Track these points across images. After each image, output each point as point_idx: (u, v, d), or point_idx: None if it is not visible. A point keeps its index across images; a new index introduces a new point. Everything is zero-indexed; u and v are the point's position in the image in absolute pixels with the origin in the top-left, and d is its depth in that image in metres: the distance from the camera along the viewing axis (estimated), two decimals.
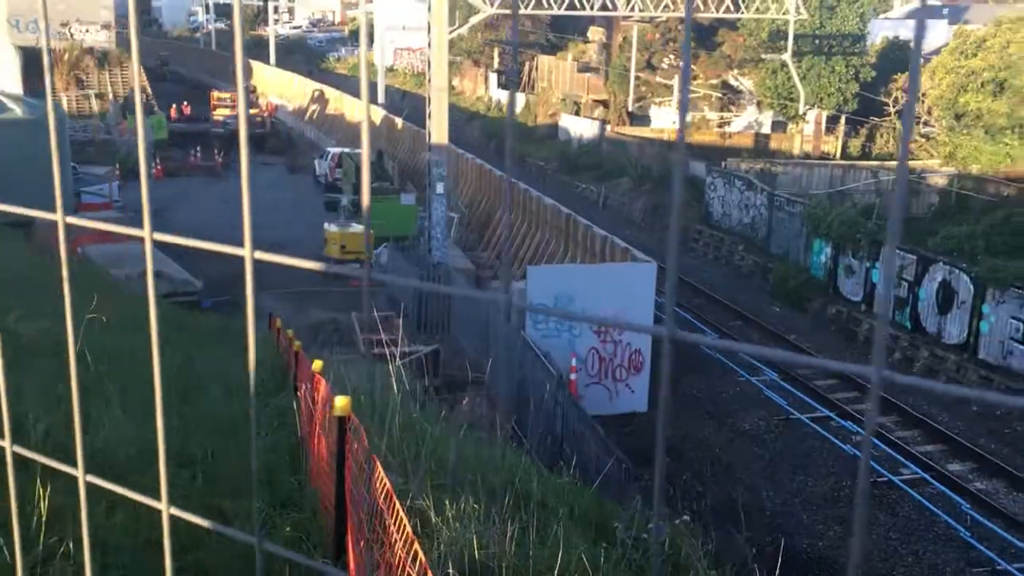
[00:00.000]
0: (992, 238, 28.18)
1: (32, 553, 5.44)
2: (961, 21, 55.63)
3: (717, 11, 41.90)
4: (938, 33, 55.02)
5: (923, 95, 40.53)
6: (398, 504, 4.71)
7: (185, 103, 58.84)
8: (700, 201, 39.62)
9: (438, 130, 27.78)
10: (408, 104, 64.18)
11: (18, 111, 33.05)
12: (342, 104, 61.30)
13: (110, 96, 56.61)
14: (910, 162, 37.09)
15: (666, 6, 40.20)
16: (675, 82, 52.77)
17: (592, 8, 39.14)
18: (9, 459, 1.56)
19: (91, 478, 1.47)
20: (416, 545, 4.24)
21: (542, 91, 61.39)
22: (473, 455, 8.73)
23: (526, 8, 38.34)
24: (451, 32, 29.81)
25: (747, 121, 51.67)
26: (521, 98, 63.88)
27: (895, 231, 0.84)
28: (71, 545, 5.56)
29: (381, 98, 60.69)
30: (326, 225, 32.46)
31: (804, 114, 44.76)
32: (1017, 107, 36.16)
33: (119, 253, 24.19)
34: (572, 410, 18.59)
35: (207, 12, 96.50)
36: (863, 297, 28.64)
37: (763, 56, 47.56)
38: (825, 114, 45.36)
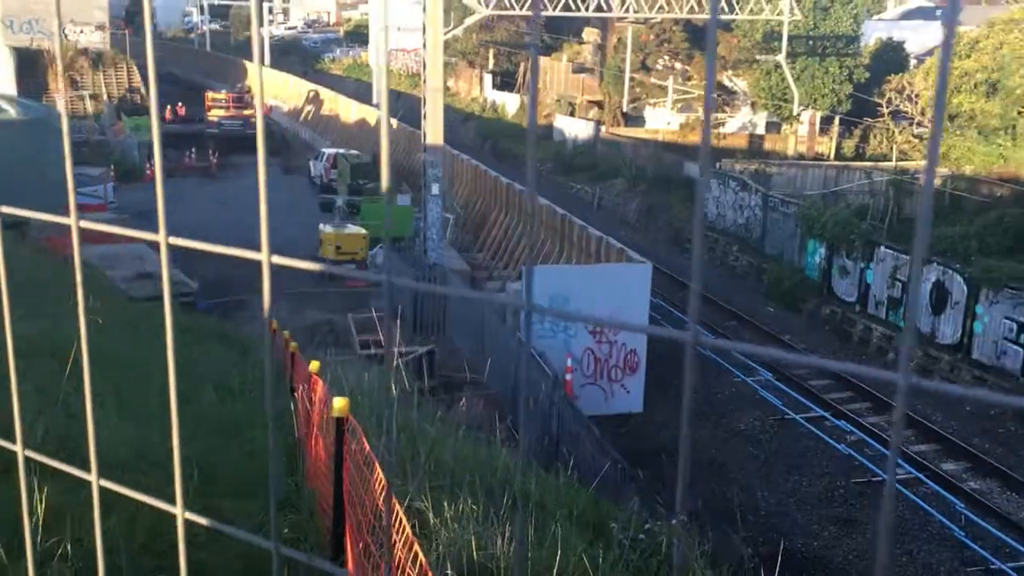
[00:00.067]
0: (985, 238, 28.26)
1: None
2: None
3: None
4: (931, 34, 55.17)
5: (916, 96, 40.63)
6: (397, 505, 4.73)
7: (180, 104, 58.76)
8: (694, 202, 39.61)
9: (434, 131, 27.79)
10: (403, 105, 64.18)
11: (12, 112, 33.01)
12: (337, 105, 61.28)
13: (104, 97, 56.54)
14: (903, 163, 37.08)
15: (661, 7, 40.27)
16: (669, 83, 52.82)
17: (587, 9, 39.18)
18: (20, 464, 1.57)
19: (104, 483, 1.49)
20: (416, 546, 4.26)
21: (537, 92, 61.39)
22: (471, 456, 8.76)
23: (520, 8, 38.36)
24: (446, 33, 29.84)
25: (741, 122, 51.74)
26: (516, 99, 63.92)
27: (923, 236, 0.86)
28: (69, 547, 5.58)
29: (376, 99, 60.69)
30: (321, 226, 32.45)
31: (798, 115, 44.84)
32: (1010, 108, 36.27)
33: (114, 255, 24.16)
34: (568, 410, 18.62)
35: (201, 13, 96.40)
36: (857, 298, 28.71)
37: (757, 57, 47.63)
38: (819, 115, 45.44)
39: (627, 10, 40.60)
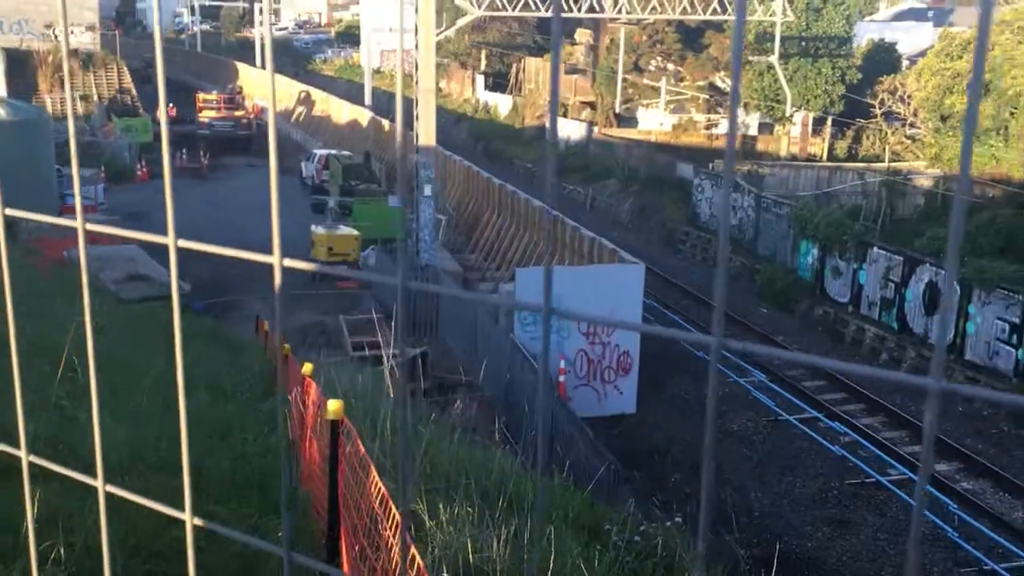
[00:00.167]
0: (978, 239, 28.31)
1: (23, 558, 5.39)
2: (946, 23, 55.95)
3: (704, 13, 41.98)
4: (923, 35, 55.34)
5: (909, 97, 40.72)
6: (393, 508, 4.69)
7: (171, 105, 58.47)
8: (687, 203, 39.71)
9: (426, 132, 27.74)
10: (395, 106, 64.06)
11: (2, 113, 32.87)
12: (328, 106, 61.18)
13: (95, 98, 56.34)
14: (896, 164, 37.13)
15: (653, 8, 40.27)
16: (662, 84, 52.85)
17: (580, 10, 39.17)
18: (25, 469, 1.53)
19: (111, 488, 1.45)
20: (412, 549, 4.22)
21: (529, 93, 61.42)
22: (466, 458, 8.72)
23: (513, 9, 38.32)
24: (438, 34, 29.78)
25: None
26: (508, 100, 63.91)
27: (955, 240, 0.83)
28: (62, 551, 5.52)
29: (368, 100, 60.61)
30: (313, 227, 32.35)
31: (791, 116, 44.89)
32: (1002, 109, 36.37)
33: (104, 256, 24.05)
34: (561, 412, 18.59)
35: (192, 14, 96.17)
36: (850, 298, 28.74)
37: (750, 58, 47.62)
38: (812, 116, 45.49)
39: (619, 11, 40.61)
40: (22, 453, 1.52)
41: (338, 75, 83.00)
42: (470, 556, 6.27)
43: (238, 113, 58.31)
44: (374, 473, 5.23)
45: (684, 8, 40.80)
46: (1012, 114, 36.16)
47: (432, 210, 29.17)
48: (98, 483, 1.42)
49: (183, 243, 1.29)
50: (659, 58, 53.72)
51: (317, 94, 64.26)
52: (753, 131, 50.75)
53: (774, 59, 42.36)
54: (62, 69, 55.79)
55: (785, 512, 18.42)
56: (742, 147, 47.63)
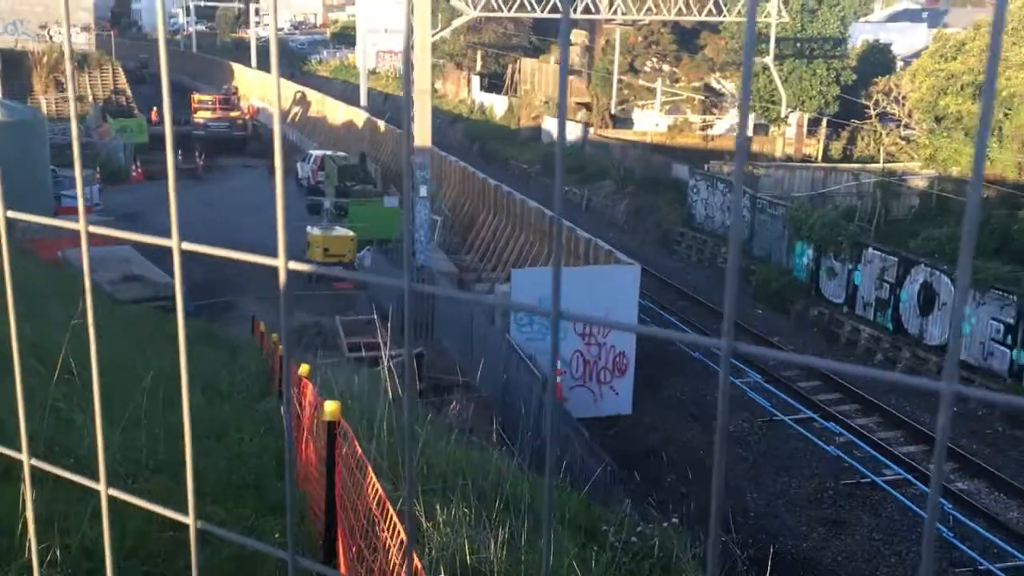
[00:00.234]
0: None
1: (19, 560, 5.38)
2: (940, 25, 56.04)
3: (700, 14, 42.03)
4: (918, 36, 55.44)
5: (903, 98, 40.79)
6: (391, 509, 4.69)
7: None
8: (683, 204, 39.73)
9: (421, 132, 27.73)
10: (391, 106, 64.08)
11: None
12: (324, 107, 61.15)
13: (90, 99, 56.26)
14: (890, 165, 37.17)
15: (649, 9, 40.31)
16: (657, 85, 52.89)
17: (575, 11, 39.19)
18: (27, 473, 1.53)
19: (114, 492, 1.45)
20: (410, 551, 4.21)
21: (525, 94, 61.43)
22: (463, 459, 8.72)
23: (509, 10, 38.35)
24: (434, 35, 29.79)
25: (729, 124, 51.85)
26: (503, 101, 63.90)
27: (969, 242, 0.83)
28: (58, 553, 5.51)
29: (363, 101, 60.58)
30: (308, 228, 32.33)
31: (786, 117, 44.95)
32: (996, 110, 36.42)
33: (100, 257, 24.02)
34: (557, 413, 18.58)
35: (187, 15, 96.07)
36: (845, 299, 28.77)
37: None
38: (807, 117, 45.57)
39: (615, 12, 40.64)
40: (23, 456, 1.51)
41: (334, 76, 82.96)
42: (467, 557, 6.27)
43: (233, 114, 58.25)
44: (371, 474, 5.23)
45: (680, 9, 40.86)
46: (1006, 115, 36.23)
47: (428, 211, 29.17)
48: (100, 487, 1.42)
49: (187, 245, 1.29)
50: (655, 59, 53.77)
51: (313, 95, 64.23)
52: (748, 132, 50.74)
53: (769, 60, 42.42)
54: (57, 70, 55.74)
55: (780, 513, 18.44)
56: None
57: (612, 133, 51.75)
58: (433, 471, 8.05)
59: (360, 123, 54.01)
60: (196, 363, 13.49)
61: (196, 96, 58.67)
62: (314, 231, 32.00)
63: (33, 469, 1.78)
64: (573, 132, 53.11)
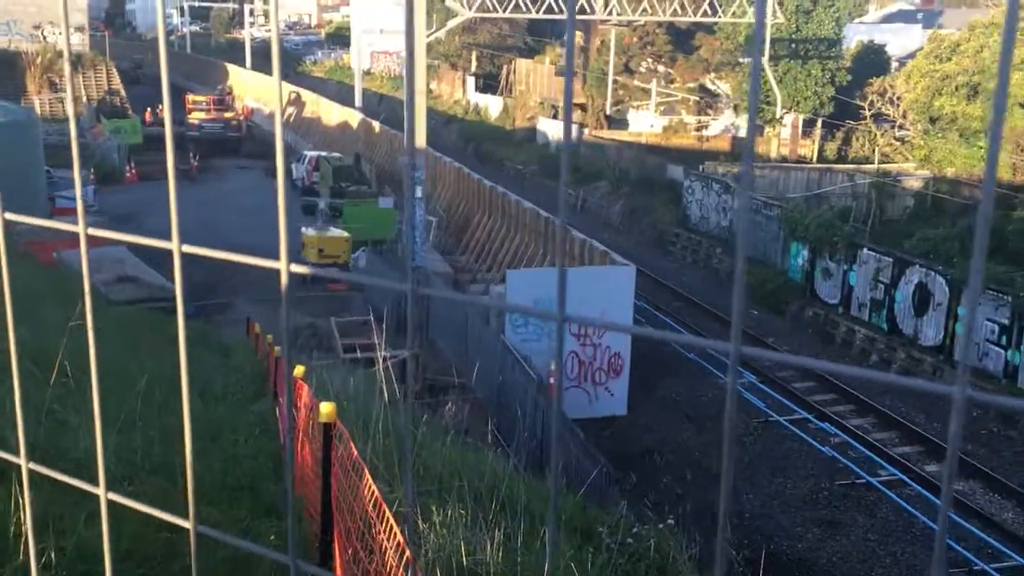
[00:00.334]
0: (967, 240, 28.43)
1: (14, 562, 5.36)
2: (935, 25, 56.16)
3: (695, 15, 42.06)
4: (912, 37, 55.55)
5: (898, 98, 40.85)
6: (387, 511, 4.68)
7: (160, 106, 58.42)
8: (678, 204, 39.76)
9: (416, 133, 27.69)
10: (385, 107, 64.05)
11: None
12: (319, 107, 61.09)
13: (84, 99, 56.15)
14: (885, 165, 37.21)
15: (644, 10, 40.33)
16: (652, 86, 52.92)
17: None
18: (25, 477, 1.52)
19: (113, 496, 1.44)
20: (408, 552, 4.21)
21: (520, 94, 61.44)
22: (459, 460, 8.71)
23: (504, 11, 38.35)
24: (429, 35, 29.78)
25: (724, 124, 51.92)
26: (498, 102, 63.90)
27: (981, 246, 0.82)
28: (53, 555, 5.49)
29: (358, 102, 60.54)
30: (303, 229, 32.30)
31: (781, 118, 45.01)
32: (991, 111, 36.49)
33: (94, 258, 23.93)
34: (559, 417, 18.56)
35: (182, 15, 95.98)
36: (840, 300, 28.81)
37: (740, 60, 47.80)
38: (801, 118, 45.63)
39: (610, 12, 40.65)
40: (22, 461, 1.50)
41: (328, 76, 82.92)
42: (463, 558, 6.26)
43: (228, 115, 58.18)
44: (367, 476, 5.22)
45: (675, 10, 40.88)
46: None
47: (422, 211, 29.11)
48: (100, 491, 1.41)
49: (187, 248, 1.28)
50: (649, 60, 53.80)
51: (308, 96, 64.16)
52: (743, 133, 50.86)
53: (764, 61, 42.45)
54: (51, 71, 55.63)
55: (775, 513, 18.45)
56: (732, 149, 47.75)
57: (607, 134, 51.78)
58: (429, 472, 8.04)
59: (355, 124, 53.97)
60: (192, 364, 13.45)
61: (190, 97, 58.60)
62: (309, 232, 31.97)
63: (30, 473, 1.76)
64: None
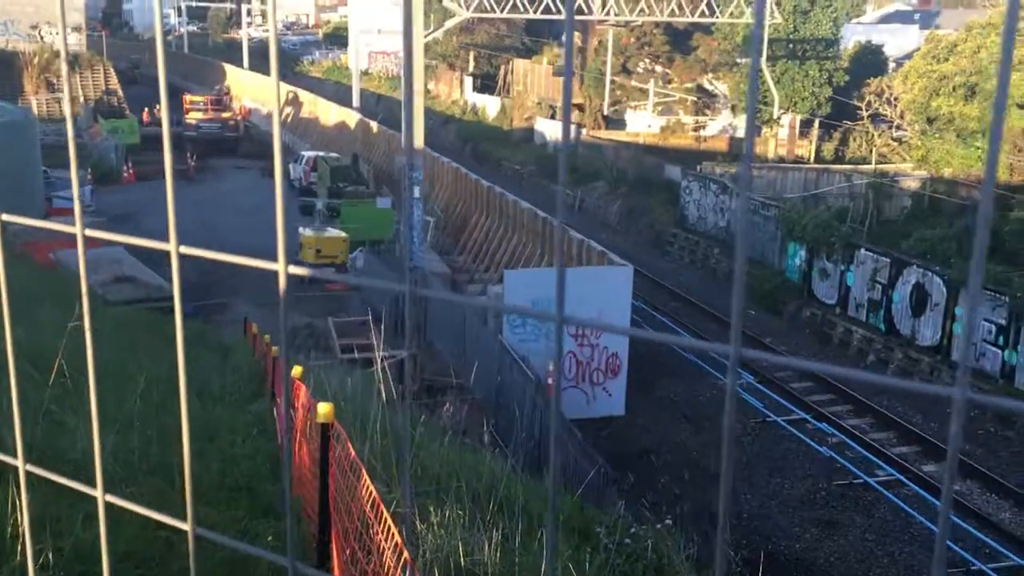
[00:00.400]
0: (965, 241, 28.46)
1: (11, 563, 5.36)
2: (933, 26, 56.22)
3: (692, 15, 42.08)
4: (910, 38, 55.59)
5: (895, 99, 40.89)
6: (385, 512, 4.67)
7: (157, 106, 58.34)
8: (675, 205, 39.78)
9: (414, 134, 27.66)
10: (383, 107, 64.04)
11: None
12: (316, 108, 61.06)
13: (81, 99, 56.09)
14: (882, 166, 37.23)
15: (641, 10, 40.34)
16: (650, 86, 52.94)
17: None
18: (23, 478, 1.52)
19: (111, 498, 1.43)
20: (406, 553, 4.20)
21: (517, 95, 61.44)
22: (457, 461, 8.70)
23: (501, 11, 38.35)
24: (426, 36, 29.77)
25: (722, 125, 51.94)
26: (496, 102, 63.91)
27: (981, 247, 0.82)
28: (50, 556, 5.49)
29: (356, 102, 60.52)
30: (301, 229, 32.27)
31: (778, 118, 45.04)
32: (988, 111, 36.53)
33: (91, 258, 23.91)
34: (558, 418, 18.55)
35: (179, 15, 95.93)
36: (837, 300, 28.82)
37: (737, 60, 47.83)
38: (799, 118, 45.66)
39: (608, 13, 40.66)
40: (19, 462, 1.50)
41: (326, 77, 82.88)
42: (461, 559, 6.26)
43: (225, 115, 58.15)
44: (365, 476, 5.22)
45: (672, 10, 40.90)
46: None
47: (420, 212, 29.11)
48: (98, 493, 1.41)
49: (185, 249, 1.28)
50: (647, 60, 53.82)
51: (305, 96, 64.13)
52: (740, 133, 50.90)
53: (762, 61, 42.44)
54: (48, 70, 55.57)
55: (773, 514, 18.46)
56: (730, 149, 47.79)
57: (605, 134, 51.79)
58: (427, 473, 8.04)
59: (352, 124, 53.95)
60: (190, 365, 13.45)
61: (188, 97, 58.55)
62: (306, 232, 31.94)
63: (28, 474, 1.76)
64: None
